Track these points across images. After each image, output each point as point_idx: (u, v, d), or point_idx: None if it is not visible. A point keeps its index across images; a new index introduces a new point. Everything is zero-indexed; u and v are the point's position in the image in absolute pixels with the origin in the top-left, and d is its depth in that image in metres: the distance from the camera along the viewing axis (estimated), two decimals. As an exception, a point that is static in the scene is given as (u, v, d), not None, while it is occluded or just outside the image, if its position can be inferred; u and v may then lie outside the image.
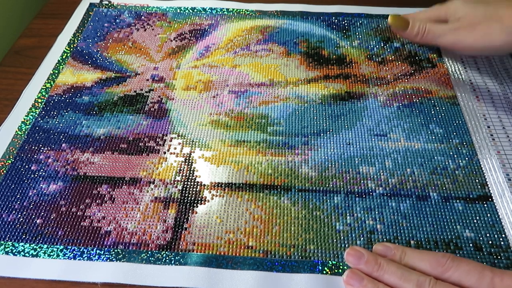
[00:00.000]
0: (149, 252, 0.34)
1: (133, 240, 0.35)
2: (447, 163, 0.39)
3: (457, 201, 0.37)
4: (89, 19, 0.55)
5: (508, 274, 0.29)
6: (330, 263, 0.33)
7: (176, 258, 0.34)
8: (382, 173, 0.39)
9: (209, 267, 0.33)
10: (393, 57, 0.49)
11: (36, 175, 0.39)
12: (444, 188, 0.37)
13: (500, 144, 0.41)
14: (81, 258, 0.34)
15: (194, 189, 0.38)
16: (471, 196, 0.37)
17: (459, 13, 0.42)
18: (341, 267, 0.33)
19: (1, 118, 0.44)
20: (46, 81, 0.47)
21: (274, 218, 0.36)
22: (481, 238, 0.34)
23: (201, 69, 0.49)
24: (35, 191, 0.38)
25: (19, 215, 0.36)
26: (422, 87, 0.46)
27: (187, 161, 0.40)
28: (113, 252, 0.34)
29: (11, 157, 0.40)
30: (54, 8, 0.58)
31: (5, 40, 0.58)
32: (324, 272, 0.33)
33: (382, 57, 0.49)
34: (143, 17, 0.55)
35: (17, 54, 0.51)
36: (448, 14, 0.44)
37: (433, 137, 0.41)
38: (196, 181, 0.38)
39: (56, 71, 0.48)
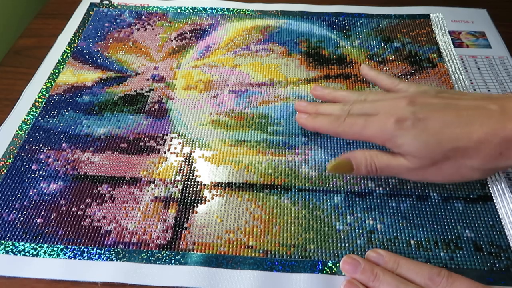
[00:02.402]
0: (149, 252, 0.34)
1: (133, 240, 0.35)
2: (447, 163, 0.39)
3: (457, 201, 0.37)
4: (90, 18, 0.55)
5: None
6: (330, 262, 0.33)
7: (176, 257, 0.34)
8: (382, 173, 0.39)
9: (209, 267, 0.33)
10: (393, 57, 0.49)
11: (36, 175, 0.39)
12: (444, 188, 0.37)
13: (500, 144, 0.41)
14: (81, 258, 0.34)
15: (194, 189, 0.38)
16: (471, 196, 0.37)
17: (409, 149, 0.32)
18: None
19: (1, 118, 0.44)
20: (47, 81, 0.47)
21: (274, 217, 0.36)
22: (481, 238, 0.34)
23: (202, 69, 0.49)
24: (35, 190, 0.38)
25: (20, 215, 0.36)
26: (423, 87, 0.46)
27: (187, 160, 0.40)
28: (113, 252, 0.34)
29: (11, 156, 0.40)
30: (54, 8, 0.58)
31: (5, 40, 0.58)
32: (324, 271, 0.33)
33: (383, 57, 0.49)
34: (143, 17, 0.55)
35: (17, 54, 0.51)
36: (392, 147, 0.34)
37: (433, 137, 0.41)
38: (196, 180, 0.38)
39: (57, 71, 0.48)
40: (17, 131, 0.42)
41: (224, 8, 0.56)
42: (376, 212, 0.36)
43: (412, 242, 0.34)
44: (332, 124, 0.36)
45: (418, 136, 0.31)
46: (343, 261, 0.32)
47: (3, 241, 0.35)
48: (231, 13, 0.56)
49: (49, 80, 0.47)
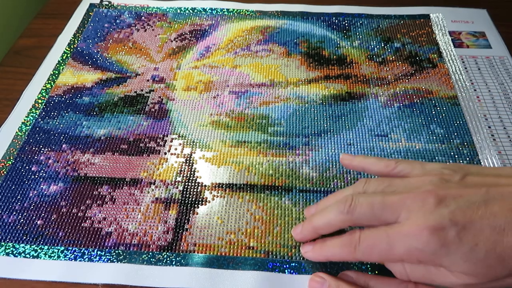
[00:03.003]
0: (150, 253, 0.34)
1: (134, 241, 0.34)
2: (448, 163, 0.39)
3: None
4: (89, 19, 0.55)
5: None
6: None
7: (177, 259, 0.33)
8: (383, 174, 0.39)
9: (210, 268, 0.33)
10: (393, 57, 0.49)
11: (36, 176, 0.39)
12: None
13: (501, 145, 0.41)
14: (82, 259, 0.33)
15: (195, 190, 0.38)
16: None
17: (460, 269, 0.25)
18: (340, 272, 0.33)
19: (1, 118, 0.44)
20: (46, 82, 0.47)
21: (275, 218, 0.36)
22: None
23: (202, 69, 0.49)
24: (35, 192, 0.38)
25: (20, 216, 0.36)
26: (423, 87, 0.46)
27: (187, 161, 0.40)
28: (114, 253, 0.34)
29: (11, 158, 0.40)
30: (54, 8, 0.58)
31: (5, 40, 0.57)
32: (326, 273, 0.33)
33: (383, 57, 0.49)
34: (143, 17, 0.55)
35: (17, 54, 0.51)
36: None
37: (434, 138, 0.41)
38: (197, 181, 0.38)
39: (56, 72, 0.48)
40: (17, 132, 0.42)
41: (224, 9, 0.56)
42: (377, 213, 0.36)
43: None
44: (346, 251, 0.28)
45: (470, 255, 0.24)
46: (310, 279, 0.31)
47: (3, 243, 0.34)
48: (231, 13, 0.55)
49: (49, 81, 0.47)
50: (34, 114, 0.44)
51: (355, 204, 0.27)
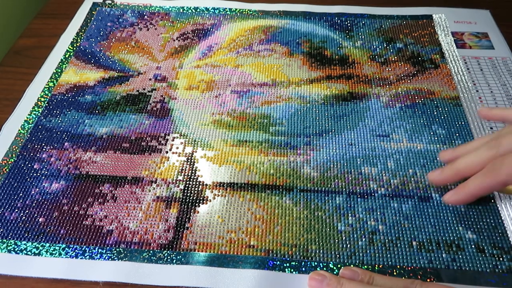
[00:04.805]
0: (151, 252, 0.34)
1: (135, 239, 0.35)
2: (449, 164, 0.39)
3: (460, 202, 0.37)
4: (92, 18, 0.55)
5: None
6: (332, 263, 0.33)
7: (178, 257, 0.34)
8: (384, 174, 0.39)
9: (211, 266, 0.33)
10: (395, 57, 0.49)
11: (38, 174, 0.39)
12: (446, 189, 0.37)
13: (502, 146, 0.41)
14: (83, 257, 0.34)
15: (196, 189, 0.38)
16: (473, 197, 0.37)
17: None
18: (342, 267, 0.33)
19: (2, 118, 0.44)
20: (49, 80, 0.47)
21: (276, 218, 0.36)
22: (483, 240, 0.34)
23: (204, 68, 0.49)
24: (37, 189, 0.38)
25: (22, 214, 0.36)
26: (425, 88, 0.46)
27: (189, 160, 0.40)
28: (115, 251, 0.34)
29: (14, 155, 0.40)
30: (54, 8, 0.58)
31: (5, 40, 0.58)
32: (326, 272, 0.33)
33: (385, 58, 0.49)
34: (146, 16, 0.55)
35: (17, 54, 0.51)
36: None
37: (436, 138, 0.41)
38: (198, 180, 0.38)
39: (59, 70, 0.48)
40: (19, 130, 0.42)
41: (226, 8, 0.56)
42: (378, 213, 0.36)
43: (414, 243, 0.34)
44: (490, 177, 0.32)
45: None
46: (309, 278, 0.32)
47: (5, 240, 0.35)
48: (234, 13, 0.56)
49: (52, 80, 0.47)
50: (37, 112, 0.44)
51: (502, 137, 0.31)
